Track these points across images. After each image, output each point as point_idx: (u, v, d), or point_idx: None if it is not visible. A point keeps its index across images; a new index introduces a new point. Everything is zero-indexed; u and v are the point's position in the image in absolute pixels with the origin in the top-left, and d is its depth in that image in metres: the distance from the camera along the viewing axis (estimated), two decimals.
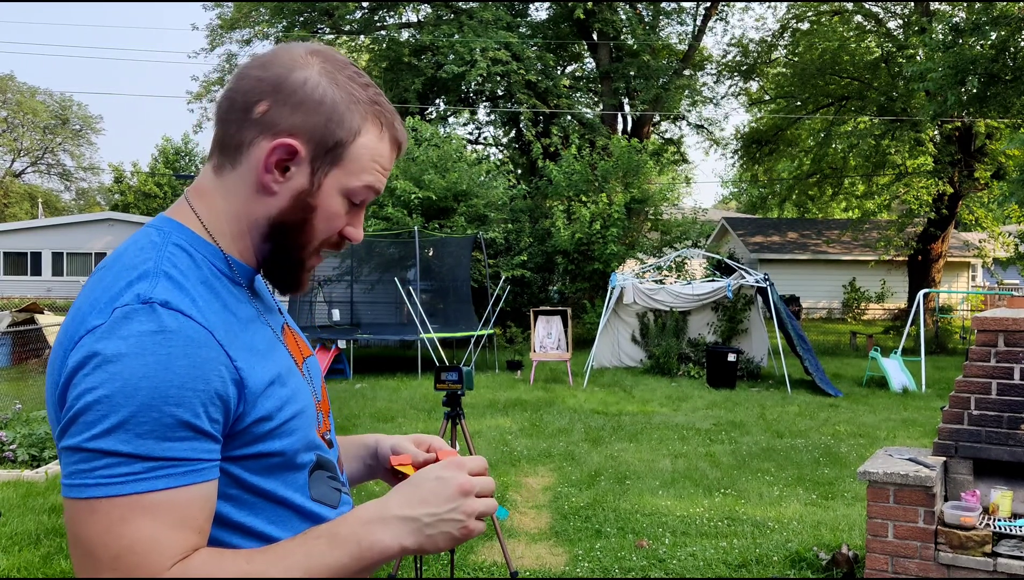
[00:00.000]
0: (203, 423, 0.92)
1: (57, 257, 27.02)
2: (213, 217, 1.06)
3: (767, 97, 26.34)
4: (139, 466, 0.88)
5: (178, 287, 0.96)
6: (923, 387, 11.73)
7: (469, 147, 24.40)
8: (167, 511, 0.90)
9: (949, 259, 23.87)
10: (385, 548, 0.98)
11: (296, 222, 1.06)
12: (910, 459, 4.06)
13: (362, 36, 24.70)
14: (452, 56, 19.96)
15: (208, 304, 0.98)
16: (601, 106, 23.52)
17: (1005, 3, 14.15)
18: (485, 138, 28.06)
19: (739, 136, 27.01)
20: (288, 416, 1.03)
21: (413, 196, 15.54)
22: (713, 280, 14.18)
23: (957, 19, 15.86)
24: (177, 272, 0.98)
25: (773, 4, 32.08)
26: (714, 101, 26.28)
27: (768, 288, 12.30)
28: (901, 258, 23.14)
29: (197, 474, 0.92)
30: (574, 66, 26.29)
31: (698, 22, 24.30)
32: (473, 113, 26.12)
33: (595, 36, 22.89)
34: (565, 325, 12.82)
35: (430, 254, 16.03)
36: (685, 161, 29.65)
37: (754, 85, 26.77)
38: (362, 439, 1.30)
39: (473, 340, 13.86)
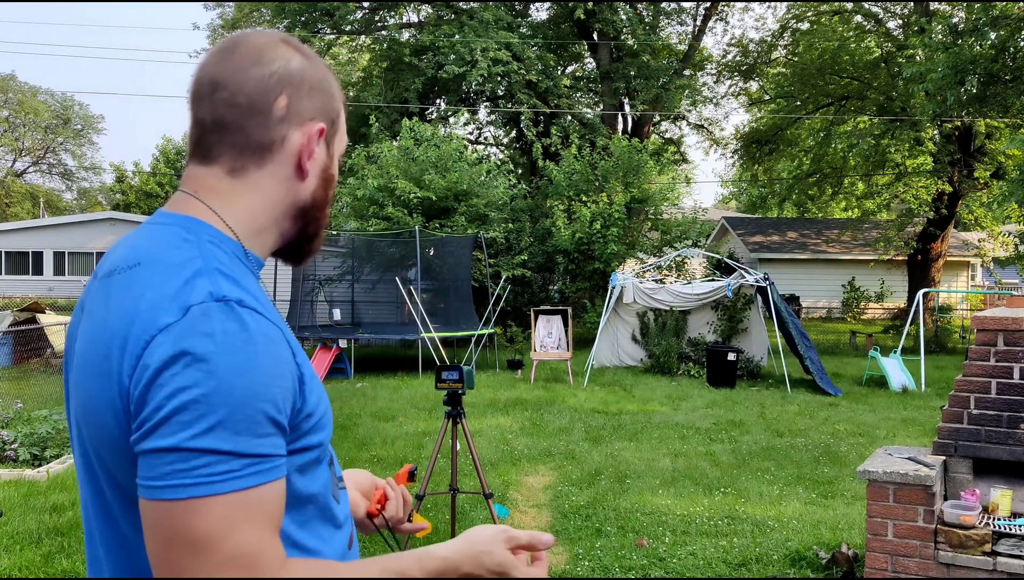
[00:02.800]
0: (282, 418, 0.94)
1: (59, 257, 27.01)
2: (235, 214, 1.06)
3: (767, 97, 26.34)
4: (237, 463, 0.89)
5: (237, 285, 0.97)
6: (923, 386, 11.74)
7: (470, 147, 24.41)
8: (262, 508, 0.91)
9: (948, 258, 23.86)
10: None
11: (323, 197, 1.12)
12: (910, 458, 4.07)
13: (363, 36, 24.72)
14: (453, 56, 19.96)
15: (263, 301, 1.00)
16: (601, 106, 23.53)
17: (1005, 3, 14.16)
18: (486, 138, 28.09)
19: (739, 136, 27.02)
20: (324, 410, 1.05)
21: (413, 196, 15.56)
22: (713, 280, 14.19)
23: (956, 19, 15.86)
24: (228, 269, 0.99)
25: (773, 4, 32.07)
26: (714, 101, 26.32)
27: (768, 287, 12.31)
28: (901, 258, 23.15)
29: (278, 470, 0.94)
30: (574, 66, 26.31)
31: (698, 22, 24.33)
32: (474, 113, 26.14)
33: (595, 36, 22.91)
34: (565, 324, 12.83)
35: (431, 254, 16.04)
36: (685, 161, 29.67)
37: (754, 85, 26.79)
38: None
39: (474, 339, 13.88)
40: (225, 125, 1.04)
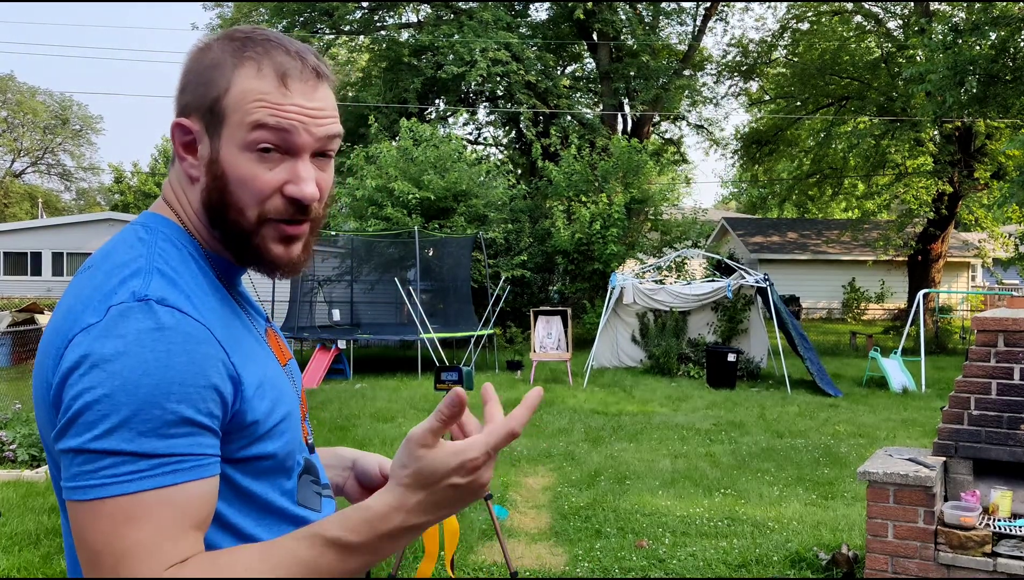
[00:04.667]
0: (203, 418, 0.91)
1: (57, 257, 26.98)
2: (184, 211, 1.07)
3: (767, 97, 26.34)
4: (144, 464, 0.87)
5: (172, 284, 0.96)
6: (923, 387, 11.73)
7: (469, 147, 24.40)
8: (171, 508, 0.88)
9: (949, 259, 23.87)
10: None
11: (219, 198, 1.03)
12: (910, 459, 4.06)
13: (362, 36, 24.72)
14: (452, 56, 19.97)
15: (202, 301, 0.98)
16: (601, 106, 23.53)
17: (1005, 3, 14.15)
18: (485, 138, 28.08)
19: (739, 136, 27.01)
20: (279, 418, 1.02)
21: (412, 196, 15.55)
22: (713, 280, 14.19)
23: (956, 19, 15.86)
24: (169, 268, 0.98)
25: (773, 4, 32.11)
26: (714, 101, 26.30)
27: (768, 288, 12.30)
28: (901, 258, 23.15)
29: (201, 469, 0.91)
30: (574, 66, 26.30)
31: (698, 22, 24.32)
32: (473, 113, 26.13)
33: (595, 36, 22.90)
34: (565, 325, 12.82)
35: (430, 254, 16.04)
36: (685, 161, 29.67)
37: (754, 85, 26.79)
38: (337, 451, 1.30)
39: (473, 340, 13.86)
40: None
